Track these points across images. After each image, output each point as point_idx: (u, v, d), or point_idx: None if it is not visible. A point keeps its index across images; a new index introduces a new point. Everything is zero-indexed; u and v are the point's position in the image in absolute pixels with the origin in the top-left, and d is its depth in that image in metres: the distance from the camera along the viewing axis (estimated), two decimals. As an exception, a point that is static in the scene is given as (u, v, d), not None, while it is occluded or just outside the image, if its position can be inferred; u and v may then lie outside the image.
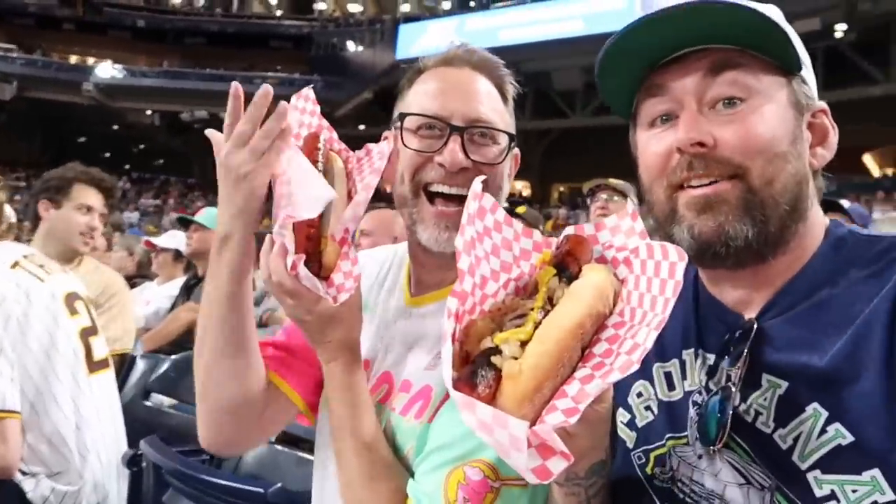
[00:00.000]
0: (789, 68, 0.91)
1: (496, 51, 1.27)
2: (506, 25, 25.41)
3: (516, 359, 0.74)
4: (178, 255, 4.79)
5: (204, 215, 4.36)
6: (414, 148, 1.16)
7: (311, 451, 2.19)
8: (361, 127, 32.37)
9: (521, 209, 4.48)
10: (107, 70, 31.62)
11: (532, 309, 0.80)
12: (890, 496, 0.76)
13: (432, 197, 1.16)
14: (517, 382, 0.72)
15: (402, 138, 1.18)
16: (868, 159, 25.49)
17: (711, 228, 0.88)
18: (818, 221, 0.94)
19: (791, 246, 0.90)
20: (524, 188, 32.70)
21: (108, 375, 2.37)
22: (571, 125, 27.71)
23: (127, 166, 38.89)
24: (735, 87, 0.88)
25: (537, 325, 0.77)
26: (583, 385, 0.74)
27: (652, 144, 0.94)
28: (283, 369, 1.29)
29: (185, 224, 4.43)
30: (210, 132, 1.13)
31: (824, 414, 0.81)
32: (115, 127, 35.13)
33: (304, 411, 1.33)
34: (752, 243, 0.87)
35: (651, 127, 0.95)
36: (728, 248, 0.87)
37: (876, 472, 0.77)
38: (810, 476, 0.81)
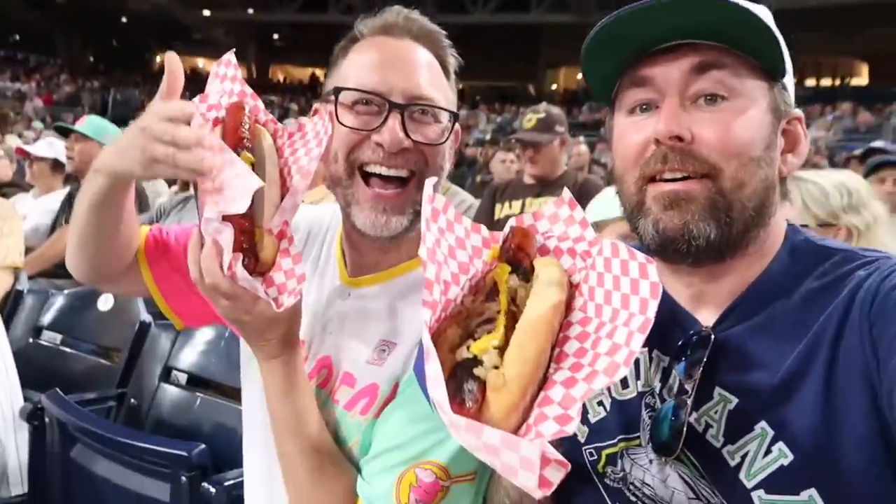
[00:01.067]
0: (774, 74, 0.91)
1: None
2: None
3: (497, 367, 0.73)
4: (56, 164, 4.34)
5: (85, 124, 3.95)
6: (349, 125, 1.07)
7: (224, 394, 2.15)
8: (250, 10, 30.10)
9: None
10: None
11: (498, 312, 0.79)
12: None
13: (368, 178, 1.09)
14: (503, 393, 0.72)
15: (336, 115, 1.08)
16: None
17: (676, 225, 0.88)
18: (779, 227, 0.95)
19: (750, 250, 0.91)
20: (423, 85, 31.98)
21: None
22: (472, 21, 27.05)
23: (-25, 41, 34.39)
24: (719, 85, 0.87)
25: (507, 328, 0.76)
26: (567, 389, 0.74)
27: (630, 133, 0.93)
28: (154, 261, 1.28)
29: (64, 133, 4.00)
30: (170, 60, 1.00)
31: (770, 433, 0.83)
32: (-42, -5, 30.59)
33: (159, 304, 1.32)
34: (713, 244, 0.88)
35: (630, 114, 0.94)
36: (690, 246, 0.88)
37: (813, 491, 0.80)
38: (754, 495, 0.83)
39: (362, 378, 1.10)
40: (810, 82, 26.16)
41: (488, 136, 10.64)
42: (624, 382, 0.99)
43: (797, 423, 0.82)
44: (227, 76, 1.06)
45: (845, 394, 0.80)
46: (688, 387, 0.89)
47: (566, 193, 0.92)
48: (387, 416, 1.05)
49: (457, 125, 1.19)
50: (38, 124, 14.07)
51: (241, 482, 1.30)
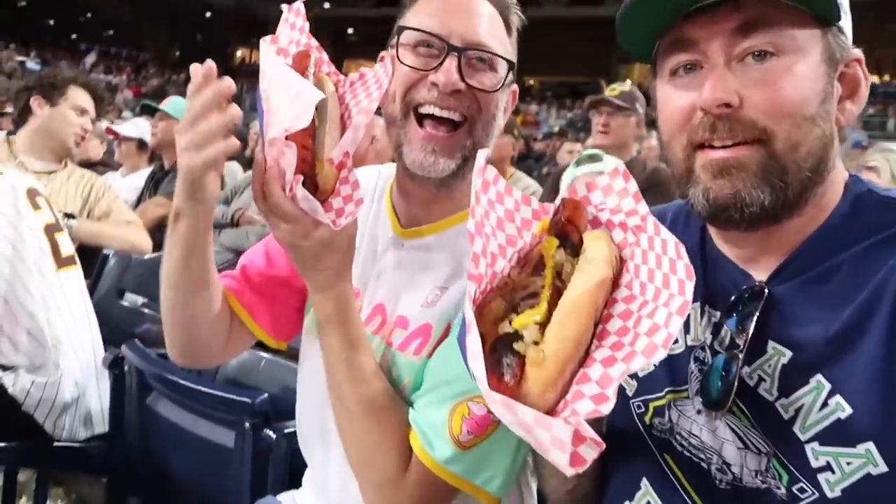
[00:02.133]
0: (827, 19, 0.86)
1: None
2: None
3: (537, 343, 0.74)
4: (142, 144, 4.60)
5: (170, 104, 4.17)
6: (409, 64, 1.14)
7: (287, 356, 2.24)
8: (326, 5, 30.73)
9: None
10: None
11: (543, 287, 0.80)
12: (882, 468, 0.77)
13: (422, 119, 1.14)
14: (541, 369, 0.72)
15: (397, 53, 1.15)
16: None
17: (727, 195, 0.85)
18: (838, 179, 0.91)
19: (808, 208, 0.88)
20: (494, 80, 31.85)
21: (77, 272, 2.35)
22: (544, 14, 26.80)
23: (74, 36, 36.48)
24: (767, 44, 0.84)
25: (551, 303, 0.77)
26: (605, 368, 0.74)
27: (674, 98, 0.91)
28: (248, 302, 1.31)
29: (149, 112, 4.24)
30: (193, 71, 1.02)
31: (827, 387, 0.82)
32: (59, -9, 32.53)
33: (269, 343, 1.35)
34: (768, 209, 0.85)
35: (673, 76, 0.91)
36: (743, 214, 0.86)
37: (870, 444, 0.78)
38: (808, 447, 0.82)
39: (416, 320, 1.15)
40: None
41: (556, 129, 10.54)
42: None
43: (856, 375, 0.80)
44: (295, 25, 1.13)
45: None
46: (739, 341, 0.88)
47: (620, 164, 0.92)
48: (441, 352, 1.10)
49: (514, 86, 1.22)
50: (127, 114, 14.83)
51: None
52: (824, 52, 0.86)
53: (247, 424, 1.66)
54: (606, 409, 0.70)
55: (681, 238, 0.85)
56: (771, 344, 0.88)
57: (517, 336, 0.75)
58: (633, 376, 1.02)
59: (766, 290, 0.89)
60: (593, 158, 2.76)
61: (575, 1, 25.81)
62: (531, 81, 31.88)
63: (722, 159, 0.86)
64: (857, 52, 0.91)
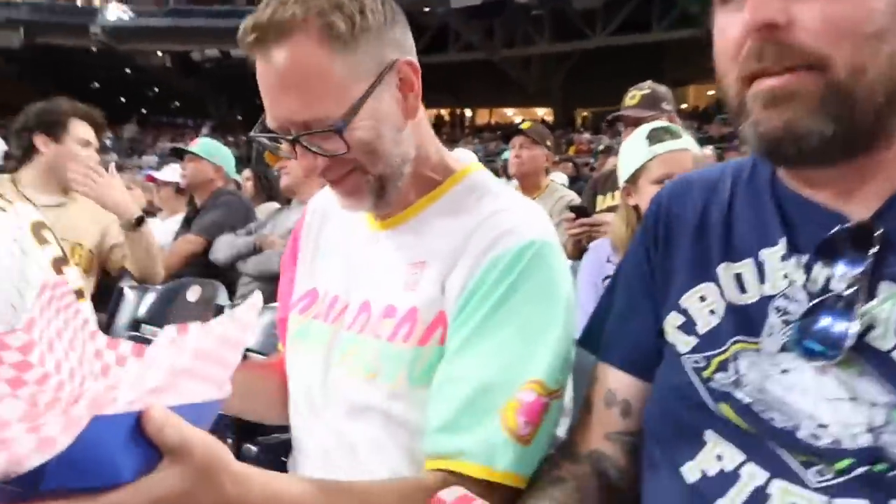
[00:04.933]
0: None
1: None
2: (520, -60, 24.22)
3: None
4: (179, 188, 4.68)
5: (199, 145, 4.23)
6: (286, 155, 1.17)
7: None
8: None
9: (525, 124, 4.25)
10: (114, 11, 31.13)
11: None
12: None
13: None
14: None
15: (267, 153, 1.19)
16: None
17: (777, 127, 0.73)
18: None
19: (895, 139, 0.75)
20: (546, 115, 31.96)
21: (85, 306, 2.29)
22: (593, 46, 26.80)
23: (144, 110, 38.88)
24: None
25: None
26: None
27: (724, 27, 0.79)
28: None
29: (179, 154, 4.31)
30: None
31: None
32: (127, 70, 34.87)
33: None
34: (831, 143, 0.72)
35: (724, 3, 0.79)
36: (799, 149, 0.73)
37: None
38: None
39: (402, 306, 1.07)
40: None
41: (601, 147, 10.31)
42: (741, 287, 0.86)
43: None
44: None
45: None
46: (841, 285, 0.75)
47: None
48: (458, 355, 1.00)
49: (403, 59, 1.04)
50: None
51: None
52: None
53: (228, 440, 1.55)
54: None
55: (747, 185, 0.84)
56: (884, 285, 0.74)
57: None
58: (691, 332, 0.88)
59: (881, 229, 0.76)
60: (671, 133, 2.06)
61: (621, 29, 25.65)
62: (584, 113, 31.78)
63: (771, 87, 0.73)
64: None
